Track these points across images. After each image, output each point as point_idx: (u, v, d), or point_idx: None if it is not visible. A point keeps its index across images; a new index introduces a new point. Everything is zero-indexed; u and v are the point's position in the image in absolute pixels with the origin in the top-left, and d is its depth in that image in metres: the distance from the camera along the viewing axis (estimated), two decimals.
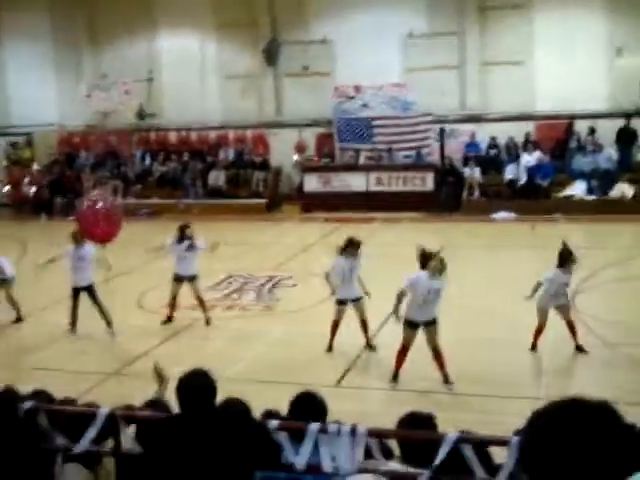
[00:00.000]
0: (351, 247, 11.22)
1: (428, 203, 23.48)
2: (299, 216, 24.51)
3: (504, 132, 24.35)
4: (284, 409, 5.10)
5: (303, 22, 26.33)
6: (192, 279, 12.94)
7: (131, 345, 12.14)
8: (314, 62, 26.28)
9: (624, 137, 23.50)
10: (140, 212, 23.91)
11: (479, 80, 25.07)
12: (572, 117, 23.92)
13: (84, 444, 4.76)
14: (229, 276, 16.24)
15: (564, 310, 10.91)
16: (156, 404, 5.29)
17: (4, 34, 29.24)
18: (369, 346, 11.41)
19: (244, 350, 11.79)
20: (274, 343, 12.11)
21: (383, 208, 23.15)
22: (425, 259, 9.88)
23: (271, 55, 26.36)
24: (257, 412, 4.91)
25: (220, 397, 4.59)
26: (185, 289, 13.06)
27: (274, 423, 4.60)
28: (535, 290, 10.84)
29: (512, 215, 22.51)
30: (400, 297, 9.84)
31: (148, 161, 27.60)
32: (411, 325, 9.89)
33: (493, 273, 15.87)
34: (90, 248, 12.55)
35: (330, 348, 11.34)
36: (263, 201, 25.42)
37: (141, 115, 28.01)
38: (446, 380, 9.85)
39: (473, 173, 23.63)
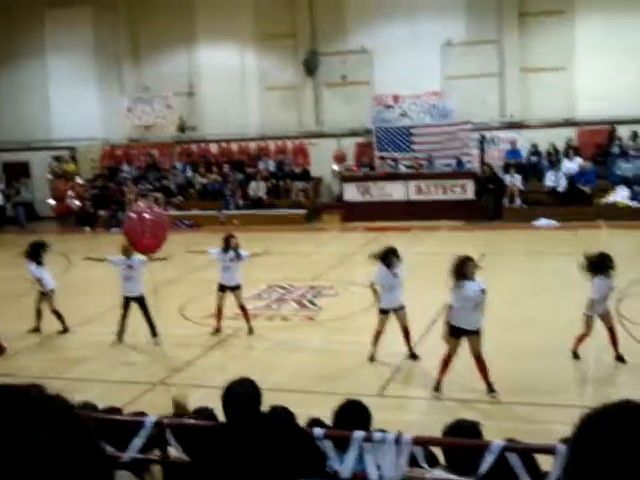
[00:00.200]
0: (391, 256, 11.20)
1: (468, 211, 23.38)
2: (339, 226, 24.53)
3: (545, 139, 24.17)
4: (325, 418, 5.12)
5: (341, 32, 26.44)
6: (236, 289, 13.04)
7: (174, 355, 12.24)
8: (353, 72, 26.36)
9: None
10: (181, 224, 24.14)
11: (519, 87, 24.93)
12: (614, 122, 23.67)
13: (132, 452, 4.83)
14: (270, 286, 16.32)
15: (607, 317, 10.79)
16: (202, 412, 5.35)
17: (47, 49, 29.75)
18: (412, 355, 11.38)
19: (285, 359, 11.83)
20: (315, 352, 12.13)
21: (423, 217, 23.10)
22: (462, 268, 9.79)
23: (310, 66, 26.49)
24: (299, 421, 4.93)
25: (263, 406, 4.62)
26: (228, 299, 13.15)
27: (319, 431, 4.63)
28: (590, 306, 10.69)
29: (553, 222, 22.31)
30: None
31: (189, 173, 27.87)
32: (457, 333, 9.82)
33: (535, 281, 15.74)
34: (140, 258, 12.64)
35: (372, 357, 11.33)
36: (303, 211, 25.50)
37: (182, 128, 28.34)
38: (490, 389, 9.79)
39: (514, 180, 23.46)
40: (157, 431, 4.87)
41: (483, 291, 9.71)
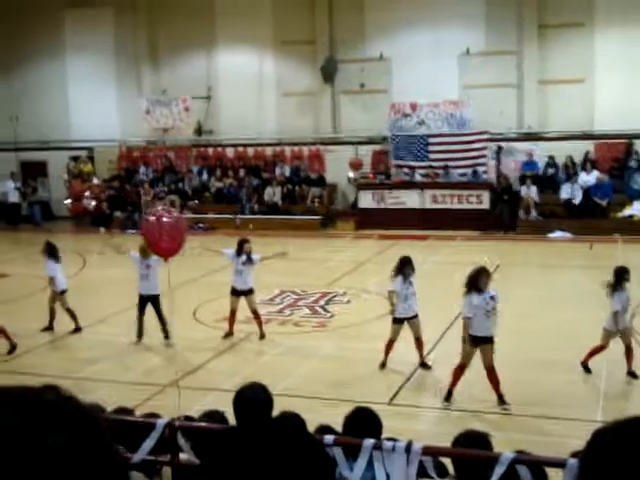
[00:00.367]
0: (407, 266, 11.22)
1: (483, 221, 23.35)
2: (353, 233, 24.55)
3: (562, 151, 24.10)
4: (336, 425, 5.12)
5: (360, 40, 26.48)
6: (248, 293, 13.07)
7: (186, 357, 12.29)
8: (371, 79, 26.38)
9: None
10: (196, 227, 24.22)
11: (537, 98, 24.88)
12: (632, 136, 23.59)
13: (142, 453, 4.85)
14: (283, 291, 16.34)
15: (627, 334, 10.72)
16: (213, 416, 5.37)
17: (67, 49, 29.92)
18: (423, 364, 11.37)
19: (297, 365, 11.83)
20: (327, 359, 12.13)
21: (437, 226, 23.09)
22: (476, 279, 9.81)
23: (328, 72, 26.53)
24: (308, 427, 4.94)
25: (273, 411, 4.63)
26: (241, 303, 13.17)
27: (329, 438, 4.63)
28: (614, 320, 10.62)
29: (568, 235, 22.23)
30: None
31: (205, 176, 27.95)
32: (474, 342, 9.82)
33: (549, 293, 15.69)
34: (156, 258, 12.62)
35: (384, 365, 11.33)
36: (318, 217, 25.53)
37: (199, 131, 28.45)
38: (501, 401, 9.76)
39: (530, 192, 23.39)
40: (168, 433, 4.89)
41: (492, 298, 9.72)
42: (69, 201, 28.17)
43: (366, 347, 12.19)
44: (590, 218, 22.59)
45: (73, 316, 13.69)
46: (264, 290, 15.25)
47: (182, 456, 4.90)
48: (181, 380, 10.45)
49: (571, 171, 23.77)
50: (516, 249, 21.27)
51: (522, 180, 23.89)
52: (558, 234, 22.36)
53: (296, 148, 27.45)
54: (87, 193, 27.49)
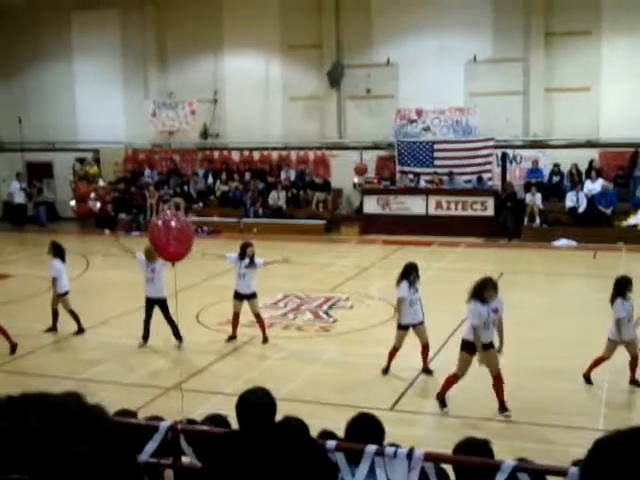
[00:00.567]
0: (413, 272, 11.22)
1: (488, 228, 23.36)
2: (358, 238, 24.55)
3: (567, 159, 24.09)
4: (338, 430, 5.13)
5: (367, 45, 26.50)
6: (251, 297, 13.08)
7: (190, 360, 12.31)
8: (377, 85, 26.39)
9: None
10: (201, 230, 24.24)
11: (543, 106, 24.88)
12: (638, 145, 23.57)
13: (145, 456, 4.86)
14: (286, 295, 16.35)
15: (633, 345, 10.68)
16: (215, 420, 5.38)
17: (74, 50, 29.98)
18: (425, 370, 11.37)
19: (299, 370, 11.83)
20: (329, 364, 12.13)
21: (442, 232, 23.12)
22: (480, 290, 9.80)
23: (335, 77, 26.56)
24: (311, 432, 4.94)
25: (276, 416, 4.64)
26: (244, 306, 13.18)
27: (331, 443, 4.64)
28: (617, 329, 10.59)
29: (573, 243, 22.22)
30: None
31: (210, 180, 27.99)
32: (470, 349, 9.82)
33: (552, 301, 15.67)
34: (162, 262, 12.61)
35: (386, 371, 11.33)
36: (322, 222, 25.54)
37: (205, 134, 28.49)
38: (503, 408, 9.75)
39: (534, 199, 23.37)
40: (171, 436, 4.91)
41: (495, 311, 9.73)
42: (74, 202, 28.22)
43: (369, 352, 12.20)
44: (595, 226, 22.57)
45: (76, 318, 13.71)
46: (267, 294, 15.26)
47: (184, 459, 4.91)
48: (184, 383, 10.47)
49: (576, 179, 23.75)
50: (520, 256, 21.27)
51: (527, 187, 23.88)
52: (563, 242, 22.34)
53: (301, 152, 27.48)
54: (92, 195, 27.54)
